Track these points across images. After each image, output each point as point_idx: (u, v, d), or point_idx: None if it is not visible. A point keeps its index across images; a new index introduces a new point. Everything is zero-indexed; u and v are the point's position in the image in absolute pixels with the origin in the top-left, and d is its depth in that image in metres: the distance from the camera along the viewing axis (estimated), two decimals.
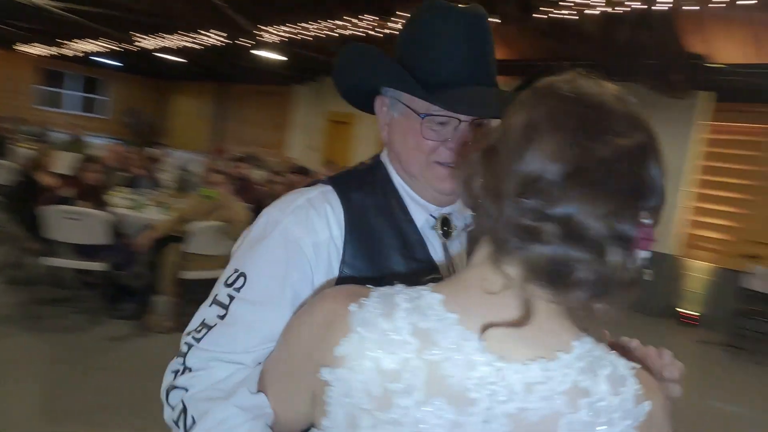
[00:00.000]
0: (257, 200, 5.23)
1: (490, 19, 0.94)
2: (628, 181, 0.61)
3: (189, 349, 0.84)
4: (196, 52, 11.04)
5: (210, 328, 0.83)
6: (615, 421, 0.64)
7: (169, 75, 16.76)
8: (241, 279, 0.85)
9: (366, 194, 0.94)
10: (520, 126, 0.63)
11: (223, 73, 14.56)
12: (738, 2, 4.95)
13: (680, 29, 6.36)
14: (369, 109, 1.04)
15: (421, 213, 0.97)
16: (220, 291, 0.86)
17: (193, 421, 0.76)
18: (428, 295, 0.67)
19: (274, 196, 4.60)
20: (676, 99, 6.98)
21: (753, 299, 6.19)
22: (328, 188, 0.94)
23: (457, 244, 0.99)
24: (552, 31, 5.22)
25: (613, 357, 0.68)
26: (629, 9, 4.46)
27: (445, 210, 0.98)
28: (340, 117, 11.81)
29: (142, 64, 14.96)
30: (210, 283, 0.91)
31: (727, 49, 6.56)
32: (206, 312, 0.86)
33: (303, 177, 6.73)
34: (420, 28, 0.92)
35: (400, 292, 0.69)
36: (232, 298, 0.84)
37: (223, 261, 4.76)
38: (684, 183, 7.13)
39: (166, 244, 4.53)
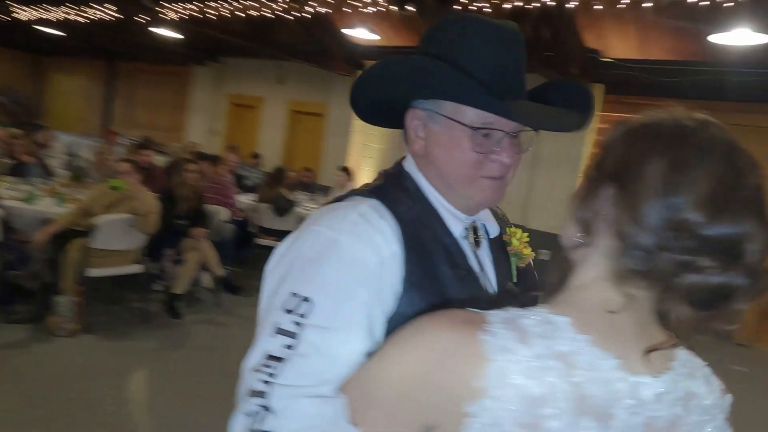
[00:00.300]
0: (166, 190, 4.93)
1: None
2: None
3: (266, 386, 0.76)
4: (82, 27, 10.13)
5: (282, 360, 0.76)
6: (716, 417, 0.75)
7: (51, 51, 15.30)
8: (306, 304, 0.79)
9: (408, 207, 0.92)
10: (665, 166, 0.67)
11: (114, 51, 13.51)
12: (627, 2, 5.38)
13: (578, 25, 6.79)
14: (378, 122, 1.04)
15: (455, 222, 0.96)
16: (280, 319, 0.79)
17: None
18: (555, 319, 0.70)
19: (188, 186, 4.31)
20: None
21: None
22: (375, 201, 0.90)
23: (484, 252, 1.00)
24: None
25: (697, 359, 0.78)
26: (539, 5, 4.67)
27: (472, 219, 1.00)
28: (245, 100, 11.40)
29: (18, 37, 13.51)
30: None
31: (617, 45, 7.09)
32: (268, 343, 0.78)
33: (212, 165, 6.45)
34: (468, 42, 0.89)
35: (521, 317, 0.70)
36: (299, 325, 0.78)
37: (131, 256, 4.50)
38: (582, 169, 7.63)
39: (68, 239, 4.17)
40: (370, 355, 0.78)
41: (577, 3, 4.69)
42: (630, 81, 7.15)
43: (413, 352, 0.70)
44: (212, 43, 10.18)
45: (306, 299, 0.79)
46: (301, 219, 6.17)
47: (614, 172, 0.71)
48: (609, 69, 7.22)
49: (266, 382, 0.76)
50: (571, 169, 7.64)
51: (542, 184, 7.88)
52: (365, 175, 9.50)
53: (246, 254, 6.30)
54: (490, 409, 0.65)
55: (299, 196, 6.97)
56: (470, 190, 0.92)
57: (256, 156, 9.83)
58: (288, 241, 0.90)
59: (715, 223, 0.64)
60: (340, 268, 0.81)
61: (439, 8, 4.70)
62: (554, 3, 4.68)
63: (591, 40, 7.13)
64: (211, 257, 4.96)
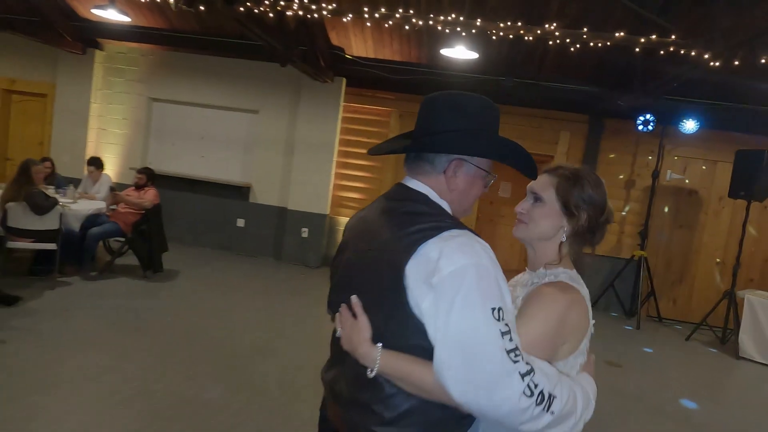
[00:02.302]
0: None
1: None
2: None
3: (522, 362, 1.13)
4: None
5: (517, 349, 1.13)
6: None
7: None
8: (502, 311, 1.14)
9: None
10: (602, 193, 1.40)
11: None
12: (366, 9, 6.34)
13: (327, 26, 7.57)
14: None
15: None
16: (499, 327, 1.12)
17: (550, 396, 1.13)
18: (575, 274, 1.40)
19: None
20: (323, 82, 8.26)
21: None
22: (469, 232, 1.24)
23: None
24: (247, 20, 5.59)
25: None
26: (300, 11, 5.22)
27: None
28: (27, 86, 9.25)
29: None
30: None
31: (357, 45, 8.11)
32: (503, 344, 1.12)
33: None
34: (494, 117, 1.38)
35: (568, 275, 1.42)
36: (507, 325, 1.13)
37: None
38: (333, 154, 8.53)
39: None
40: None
41: (325, 11, 5.36)
42: (368, 76, 8.27)
43: (558, 307, 1.30)
44: None
45: (500, 308, 1.14)
46: (61, 215, 5.67)
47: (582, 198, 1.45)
48: (351, 65, 8.20)
49: (518, 361, 1.11)
50: (325, 153, 8.50)
51: (299, 168, 8.56)
52: (110, 162, 8.86)
53: None
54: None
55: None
56: (468, 212, 1.41)
57: None
58: (459, 259, 1.14)
59: (605, 207, 1.44)
60: (501, 282, 1.19)
61: (226, 8, 4.88)
62: (311, 9, 5.29)
63: (337, 39, 8.00)
64: None
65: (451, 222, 1.24)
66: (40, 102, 9.33)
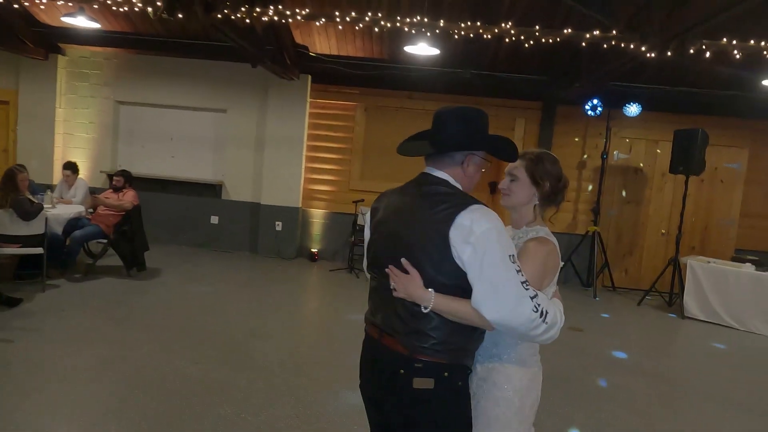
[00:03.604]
0: None
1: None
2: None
3: (532, 291, 1.64)
4: None
5: (527, 282, 1.63)
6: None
7: None
8: (514, 256, 1.65)
9: None
10: (558, 167, 1.88)
11: None
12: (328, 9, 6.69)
13: (291, 25, 7.86)
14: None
15: None
16: (515, 267, 1.62)
17: (546, 311, 1.63)
18: (546, 228, 1.82)
19: None
20: (290, 80, 8.55)
21: (361, 232, 8.46)
22: (484, 206, 1.69)
23: None
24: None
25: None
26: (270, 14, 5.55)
27: None
28: None
29: None
30: None
31: (321, 43, 8.43)
32: (519, 278, 1.62)
33: None
34: (486, 121, 1.81)
35: (545, 231, 1.87)
36: (519, 267, 1.64)
37: None
38: (302, 149, 8.86)
39: None
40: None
41: (299, 16, 5.71)
42: (332, 73, 8.61)
43: (541, 255, 1.79)
44: None
45: (513, 255, 1.64)
46: (46, 220, 5.83)
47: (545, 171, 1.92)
48: (315, 62, 8.52)
49: (529, 289, 1.62)
50: (295, 149, 8.81)
51: (270, 164, 8.85)
52: (80, 166, 8.91)
53: None
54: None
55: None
56: (470, 190, 1.84)
57: None
58: (484, 224, 1.60)
59: (561, 176, 1.93)
60: (509, 238, 1.72)
61: (205, 16, 5.14)
62: (285, 15, 5.63)
63: (301, 38, 8.30)
64: None
65: (471, 199, 1.71)
66: (2, 109, 9.28)
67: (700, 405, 4.48)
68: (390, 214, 1.85)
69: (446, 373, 1.70)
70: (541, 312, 1.62)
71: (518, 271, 1.62)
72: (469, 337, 1.74)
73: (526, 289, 1.61)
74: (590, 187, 8.80)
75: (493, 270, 1.58)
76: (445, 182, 1.78)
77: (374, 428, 1.95)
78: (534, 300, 1.61)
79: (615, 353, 5.59)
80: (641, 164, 8.83)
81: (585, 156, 8.82)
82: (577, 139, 8.82)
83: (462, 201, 1.68)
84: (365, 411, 1.97)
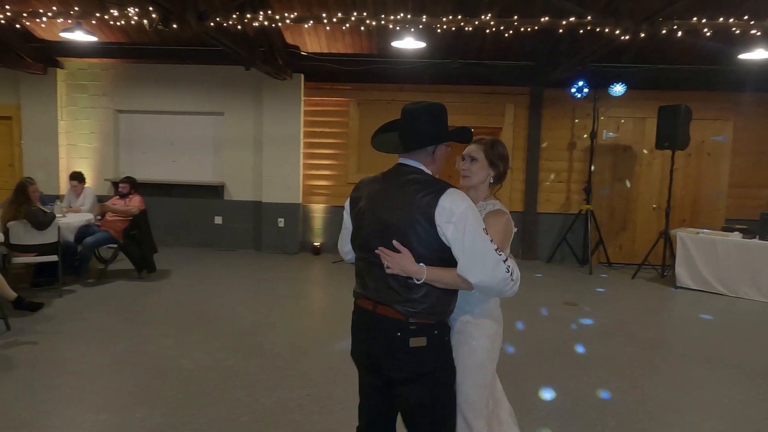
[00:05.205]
0: None
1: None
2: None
3: (503, 256, 1.97)
4: None
5: (499, 250, 1.97)
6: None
7: None
8: (485, 230, 1.98)
9: None
10: (506, 151, 2.22)
11: None
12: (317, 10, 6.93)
13: (281, 27, 8.08)
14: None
15: None
16: (487, 239, 1.95)
17: (512, 270, 1.97)
18: (498, 202, 2.15)
19: None
20: (283, 80, 8.80)
21: None
22: (456, 189, 2.00)
23: None
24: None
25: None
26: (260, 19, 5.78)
27: None
28: None
29: None
30: None
31: (312, 42, 8.66)
32: (492, 246, 1.95)
33: None
34: (446, 114, 2.08)
35: (500, 205, 2.20)
36: (491, 239, 1.97)
37: None
38: (299, 146, 9.11)
39: None
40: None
41: (288, 20, 5.95)
42: (324, 70, 8.84)
43: (501, 225, 2.13)
44: None
45: (485, 229, 1.96)
46: (59, 228, 6.12)
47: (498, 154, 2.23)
48: (307, 61, 8.76)
49: (501, 254, 1.96)
50: (292, 146, 9.06)
51: (269, 163, 9.11)
52: (89, 176, 9.20)
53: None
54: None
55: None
56: (437, 174, 2.15)
57: None
58: (461, 205, 1.91)
59: (508, 159, 2.28)
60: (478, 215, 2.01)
61: (199, 25, 5.39)
62: (275, 19, 5.88)
63: (291, 38, 8.53)
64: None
65: (446, 184, 2.02)
66: (5, 125, 9.55)
67: (690, 367, 4.74)
68: (374, 203, 2.10)
69: (435, 332, 2.04)
70: (511, 272, 1.98)
71: (491, 241, 1.95)
72: (450, 300, 2.10)
73: (499, 255, 1.95)
74: (593, 168, 9.04)
75: (474, 243, 1.91)
76: (420, 170, 2.07)
77: (368, 390, 2.22)
78: (506, 263, 1.96)
79: (606, 324, 5.85)
80: (629, 142, 9.05)
81: (573, 137, 9.06)
82: (566, 122, 9.05)
83: (440, 186, 1.98)
84: (358, 378, 2.25)
